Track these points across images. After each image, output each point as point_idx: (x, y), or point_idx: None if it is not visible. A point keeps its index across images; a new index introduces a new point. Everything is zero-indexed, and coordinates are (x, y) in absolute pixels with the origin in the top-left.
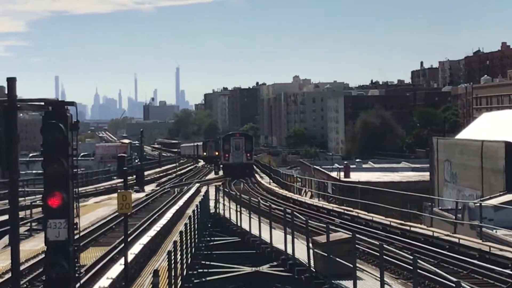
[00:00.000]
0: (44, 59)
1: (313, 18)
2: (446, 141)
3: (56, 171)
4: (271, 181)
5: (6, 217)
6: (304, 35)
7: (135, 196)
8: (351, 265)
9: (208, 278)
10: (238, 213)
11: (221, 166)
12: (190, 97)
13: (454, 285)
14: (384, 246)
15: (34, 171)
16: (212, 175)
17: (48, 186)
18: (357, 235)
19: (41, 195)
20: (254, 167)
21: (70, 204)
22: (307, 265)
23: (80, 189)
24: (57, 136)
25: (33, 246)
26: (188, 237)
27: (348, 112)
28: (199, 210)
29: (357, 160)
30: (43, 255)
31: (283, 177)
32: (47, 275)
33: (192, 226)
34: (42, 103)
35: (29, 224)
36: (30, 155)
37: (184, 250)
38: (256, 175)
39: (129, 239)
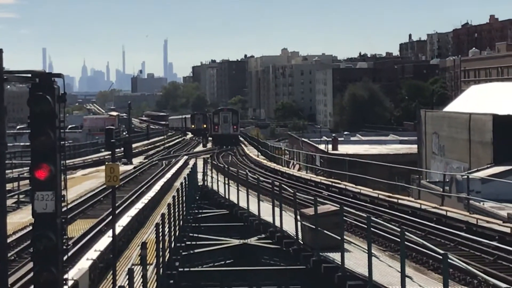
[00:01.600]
0: (32, 31)
1: None
2: (434, 113)
3: (43, 143)
4: (259, 153)
5: None
6: (293, 7)
7: (123, 168)
8: (339, 238)
9: (196, 251)
10: (226, 185)
11: (212, 137)
12: (178, 70)
13: (441, 257)
14: (372, 218)
15: (21, 144)
16: (200, 148)
17: (35, 158)
18: (345, 208)
19: (28, 168)
20: (240, 137)
21: (58, 176)
22: (295, 237)
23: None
24: (44, 108)
25: (20, 219)
26: (176, 210)
27: (336, 84)
28: (187, 182)
29: (345, 132)
30: (31, 227)
31: (271, 150)
32: (35, 247)
33: (180, 198)
34: (29, 75)
35: (16, 196)
36: (18, 127)
37: (172, 223)
38: (243, 146)
39: (117, 212)
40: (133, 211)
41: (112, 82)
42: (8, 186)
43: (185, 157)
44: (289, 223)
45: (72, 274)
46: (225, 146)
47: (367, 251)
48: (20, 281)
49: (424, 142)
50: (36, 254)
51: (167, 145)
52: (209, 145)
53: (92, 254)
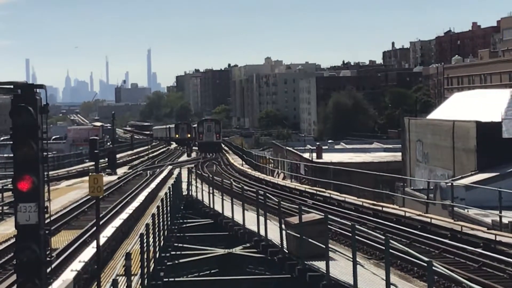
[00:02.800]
0: (14, 42)
1: None
2: (418, 121)
3: (26, 155)
4: (243, 162)
5: None
6: (276, 16)
7: (107, 179)
8: (324, 246)
9: (181, 260)
10: (211, 195)
11: (197, 143)
12: (162, 79)
13: (426, 264)
14: (356, 226)
15: (5, 155)
16: (184, 157)
17: (18, 169)
18: (330, 216)
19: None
20: (222, 145)
21: (41, 187)
22: (280, 246)
23: (52, 172)
24: (26, 119)
25: (4, 230)
26: (161, 220)
27: (320, 93)
28: (171, 192)
29: (329, 141)
30: (15, 239)
31: (255, 159)
32: (18, 259)
33: (165, 208)
34: (11, 86)
35: (0, 208)
36: (1, 138)
37: (157, 233)
38: (227, 155)
39: (101, 222)
40: (117, 222)
41: (95, 92)
42: None
43: (170, 167)
44: (274, 232)
45: (57, 285)
46: (209, 153)
47: (352, 259)
48: None
49: (408, 150)
50: (20, 266)
51: (152, 155)
52: (194, 154)
53: (77, 265)
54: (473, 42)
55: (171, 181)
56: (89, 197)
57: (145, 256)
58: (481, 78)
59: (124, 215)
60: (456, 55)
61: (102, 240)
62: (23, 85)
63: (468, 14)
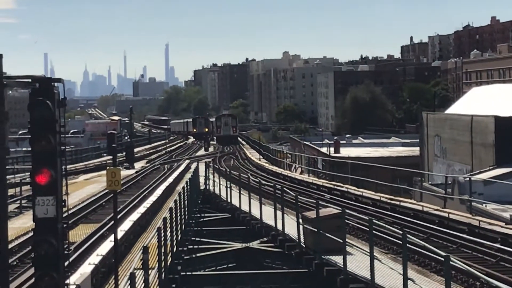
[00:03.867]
0: (33, 36)
1: None
2: (436, 116)
3: (44, 148)
4: (261, 157)
5: None
6: (294, 11)
7: (124, 173)
8: (341, 241)
9: (198, 254)
10: (228, 189)
11: (215, 137)
12: (180, 74)
13: (443, 259)
14: (374, 221)
15: (23, 149)
16: (202, 152)
17: (36, 163)
18: (347, 211)
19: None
20: (238, 138)
21: (59, 181)
22: (297, 240)
23: (69, 166)
24: (44, 113)
25: (22, 224)
26: (178, 214)
27: (338, 87)
28: (189, 186)
29: (347, 135)
30: (33, 233)
31: (273, 153)
32: (36, 252)
33: (182, 202)
34: (29, 80)
35: (18, 201)
36: (20, 132)
37: (174, 227)
38: (245, 150)
39: (119, 216)
40: (135, 216)
41: (113, 86)
42: (11, 191)
43: (187, 161)
44: (291, 227)
45: (74, 279)
46: (226, 147)
47: (369, 254)
48: (22, 287)
49: (426, 145)
50: (38, 259)
51: (169, 149)
52: (211, 149)
53: (94, 258)
54: (491, 36)
55: (188, 175)
56: (106, 191)
57: (163, 250)
58: (500, 73)
59: (141, 209)
60: (475, 50)
61: (120, 234)
62: (41, 79)
63: (487, 8)
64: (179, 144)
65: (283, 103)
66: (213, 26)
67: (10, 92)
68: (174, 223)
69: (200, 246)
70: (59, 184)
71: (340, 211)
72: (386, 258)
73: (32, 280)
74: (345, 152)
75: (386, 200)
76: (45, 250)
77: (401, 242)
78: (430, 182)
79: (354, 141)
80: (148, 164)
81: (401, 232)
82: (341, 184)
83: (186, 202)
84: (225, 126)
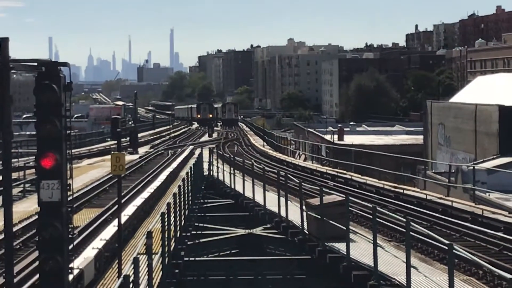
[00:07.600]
0: (38, 19)
1: None
2: (440, 104)
3: (49, 132)
4: (265, 143)
5: None
6: None
7: (128, 158)
8: (344, 228)
9: (201, 240)
10: (232, 175)
11: (221, 120)
12: (184, 59)
13: (446, 247)
14: (377, 208)
15: (28, 133)
16: (206, 138)
17: (41, 147)
18: (351, 198)
19: (34, 156)
20: (238, 122)
21: (64, 165)
22: (300, 227)
23: (74, 150)
24: (50, 96)
25: (26, 207)
26: (182, 199)
27: (342, 75)
28: (192, 172)
29: (351, 123)
30: (37, 216)
31: (277, 140)
32: (40, 236)
33: (186, 188)
34: (35, 64)
35: (22, 185)
36: (24, 116)
37: (178, 212)
38: (249, 136)
39: (122, 201)
40: (138, 201)
41: (118, 71)
42: (14, 175)
43: (191, 147)
44: (294, 213)
45: (78, 263)
46: (230, 128)
47: (372, 241)
48: (26, 270)
49: (430, 133)
50: (42, 243)
51: (173, 135)
52: (215, 135)
53: (98, 243)
54: (497, 25)
55: (192, 161)
56: (110, 175)
57: (166, 235)
58: (505, 62)
59: (145, 194)
60: (480, 39)
61: (124, 218)
62: (47, 62)
63: None
64: (183, 130)
65: (288, 90)
66: (218, 12)
67: (14, 76)
68: (177, 209)
69: (203, 232)
70: (64, 168)
71: (344, 198)
72: (389, 246)
73: (36, 263)
74: (349, 139)
75: (389, 188)
76: (50, 233)
77: (404, 230)
78: (433, 171)
79: (358, 129)
80: (152, 150)
81: (404, 220)
82: (344, 172)
83: (190, 187)
84: (229, 112)
